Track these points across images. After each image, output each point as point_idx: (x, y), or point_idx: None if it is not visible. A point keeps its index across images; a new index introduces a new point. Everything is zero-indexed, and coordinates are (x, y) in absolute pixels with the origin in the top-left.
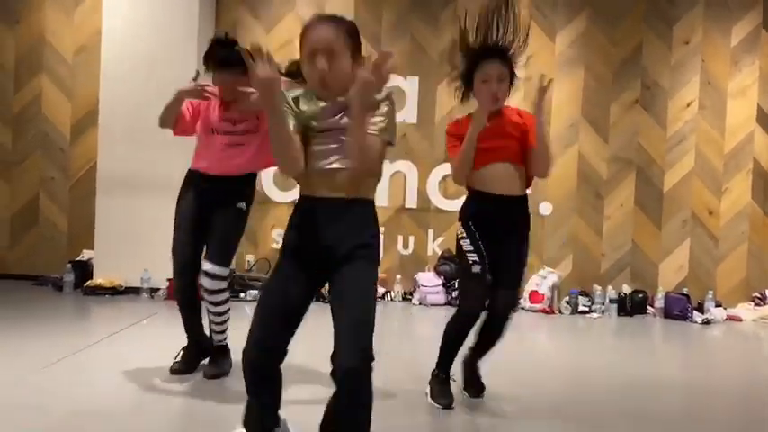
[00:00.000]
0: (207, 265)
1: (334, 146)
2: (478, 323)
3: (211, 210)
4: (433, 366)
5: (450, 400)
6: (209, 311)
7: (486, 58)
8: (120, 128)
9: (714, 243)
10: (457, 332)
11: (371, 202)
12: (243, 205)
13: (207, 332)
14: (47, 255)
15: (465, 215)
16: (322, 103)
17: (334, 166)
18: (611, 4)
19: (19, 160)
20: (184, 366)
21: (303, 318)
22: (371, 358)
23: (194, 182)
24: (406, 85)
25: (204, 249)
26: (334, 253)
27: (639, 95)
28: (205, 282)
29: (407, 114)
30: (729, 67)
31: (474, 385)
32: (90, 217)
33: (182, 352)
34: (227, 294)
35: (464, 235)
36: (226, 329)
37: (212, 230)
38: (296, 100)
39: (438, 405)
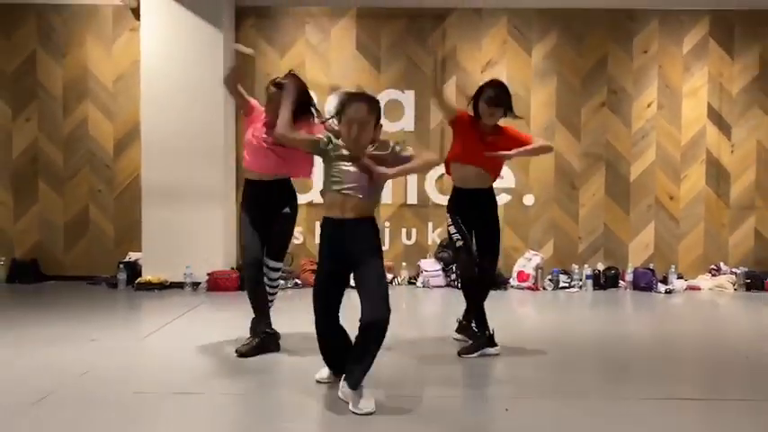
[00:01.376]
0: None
1: (352, 184)
2: None
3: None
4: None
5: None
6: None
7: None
8: (160, 143)
9: (675, 224)
10: (468, 291)
11: (372, 219)
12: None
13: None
14: (97, 257)
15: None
16: (345, 152)
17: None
18: (578, 21)
19: (70, 176)
20: (251, 350)
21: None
22: (390, 310)
23: None
24: (404, 97)
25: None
26: (354, 256)
27: (606, 99)
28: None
29: (406, 123)
30: (682, 71)
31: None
32: (134, 223)
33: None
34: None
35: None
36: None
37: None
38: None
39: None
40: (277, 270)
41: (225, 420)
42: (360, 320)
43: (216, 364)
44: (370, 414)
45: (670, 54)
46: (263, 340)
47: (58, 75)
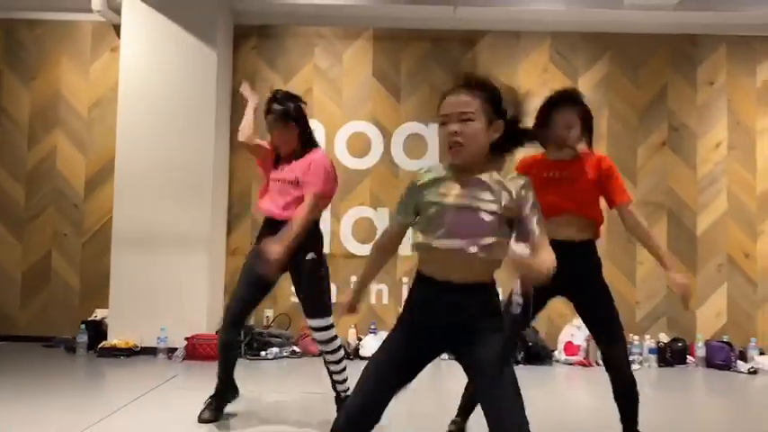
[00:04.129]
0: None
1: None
2: None
3: None
4: None
5: None
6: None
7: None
8: (137, 183)
9: (752, 287)
10: None
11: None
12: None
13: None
14: (58, 315)
15: None
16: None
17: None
18: (633, 46)
19: (32, 217)
20: (212, 414)
21: None
22: None
23: None
24: (427, 131)
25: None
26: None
27: (667, 137)
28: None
29: (430, 159)
30: (756, 106)
31: None
32: (103, 275)
33: (209, 400)
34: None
35: None
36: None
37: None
38: None
39: None
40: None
41: None
42: None
43: None
44: None
45: (741, 86)
46: (218, 394)
47: (24, 99)
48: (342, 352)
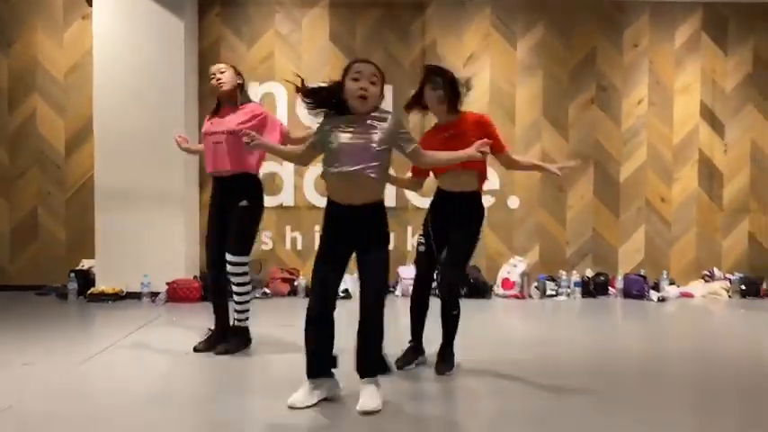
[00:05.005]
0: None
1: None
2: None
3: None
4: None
5: (400, 364)
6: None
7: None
8: (115, 140)
9: (667, 227)
10: (413, 297)
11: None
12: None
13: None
14: (47, 266)
15: None
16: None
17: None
18: (566, 13)
19: (16, 176)
20: (205, 346)
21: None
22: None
23: None
24: None
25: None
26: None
27: (595, 95)
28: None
29: None
30: (674, 66)
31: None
32: (87, 228)
33: (208, 333)
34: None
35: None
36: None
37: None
38: None
39: (390, 364)
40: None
41: None
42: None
43: (174, 392)
44: (376, 412)
45: (661, 49)
46: (221, 335)
47: (3, 66)
48: (249, 288)
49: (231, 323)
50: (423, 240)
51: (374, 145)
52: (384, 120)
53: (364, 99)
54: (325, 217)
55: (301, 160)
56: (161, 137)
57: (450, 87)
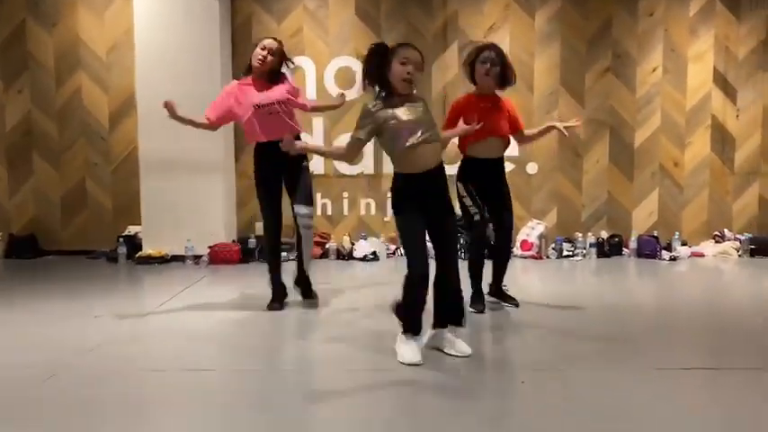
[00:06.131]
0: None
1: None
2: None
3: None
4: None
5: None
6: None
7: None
8: (156, 114)
9: (679, 191)
10: (478, 257)
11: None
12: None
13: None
14: (96, 232)
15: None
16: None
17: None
18: None
19: (65, 148)
20: (278, 304)
21: None
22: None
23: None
24: None
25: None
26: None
27: (611, 63)
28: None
29: None
30: (688, 34)
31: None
32: (131, 196)
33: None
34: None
35: (464, 193)
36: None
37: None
38: None
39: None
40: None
41: (239, 398)
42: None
43: (223, 340)
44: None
45: (676, 17)
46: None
47: (48, 45)
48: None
49: (297, 276)
50: (477, 210)
51: (425, 115)
52: (418, 100)
53: (410, 83)
54: (403, 190)
55: (350, 155)
56: (199, 108)
57: (504, 64)
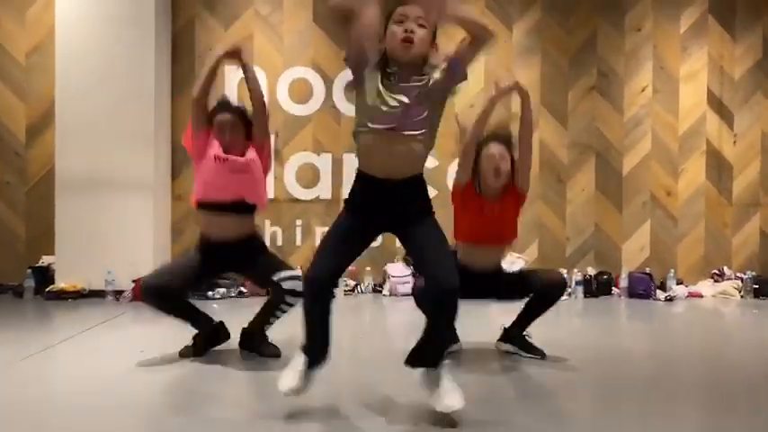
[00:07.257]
0: None
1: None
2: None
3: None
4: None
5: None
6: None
7: None
8: (78, 128)
9: (673, 223)
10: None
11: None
12: None
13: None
14: (5, 262)
15: None
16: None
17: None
18: None
19: None
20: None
21: None
22: None
23: None
24: None
25: None
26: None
27: (596, 82)
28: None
29: None
30: (679, 51)
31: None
32: (48, 222)
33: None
34: None
35: None
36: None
37: None
38: None
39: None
40: None
41: None
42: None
43: (117, 396)
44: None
45: (666, 33)
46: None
47: None
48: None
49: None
50: None
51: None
52: (432, 70)
53: (411, 44)
54: (357, 194)
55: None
56: (129, 121)
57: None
